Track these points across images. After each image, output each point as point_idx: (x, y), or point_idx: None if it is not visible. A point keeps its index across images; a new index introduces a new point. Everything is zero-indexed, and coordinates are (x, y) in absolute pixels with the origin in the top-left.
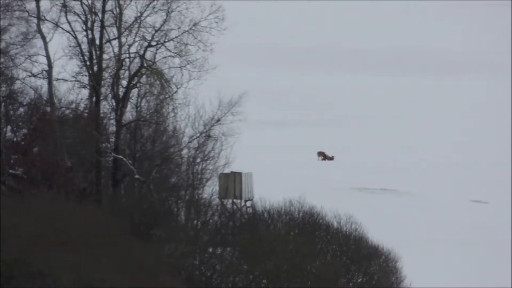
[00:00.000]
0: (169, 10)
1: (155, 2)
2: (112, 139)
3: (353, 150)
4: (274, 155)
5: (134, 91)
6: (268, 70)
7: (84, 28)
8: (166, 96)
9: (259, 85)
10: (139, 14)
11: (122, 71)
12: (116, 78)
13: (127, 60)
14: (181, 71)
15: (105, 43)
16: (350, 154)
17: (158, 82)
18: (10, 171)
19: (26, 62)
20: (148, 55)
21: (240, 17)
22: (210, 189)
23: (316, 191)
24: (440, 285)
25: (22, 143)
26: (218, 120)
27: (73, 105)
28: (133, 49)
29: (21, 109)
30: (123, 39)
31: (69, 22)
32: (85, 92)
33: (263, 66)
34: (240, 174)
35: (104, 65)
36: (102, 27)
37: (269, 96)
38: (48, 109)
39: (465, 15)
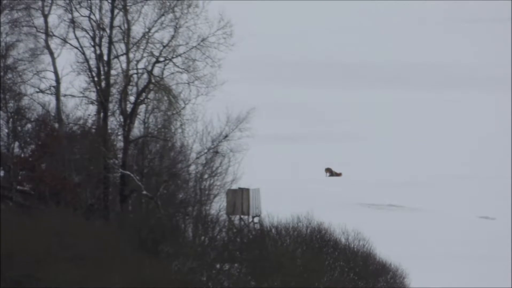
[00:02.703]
0: (177, 26)
1: (163, 18)
2: (120, 155)
3: (361, 165)
4: (281, 171)
5: (142, 107)
6: (276, 85)
7: (92, 44)
8: (174, 112)
9: (267, 99)
10: (147, 30)
11: (130, 87)
12: (124, 94)
13: (135, 76)
14: (189, 87)
15: (113, 58)
16: (358, 170)
17: (166, 98)
18: (18, 187)
19: (34, 78)
20: (156, 71)
21: (245, 31)
22: (218, 205)
23: (323, 207)
24: None
25: (30, 159)
26: (226, 136)
27: (81, 121)
28: (141, 65)
29: (29, 125)
30: (131, 55)
31: (77, 38)
32: (93, 108)
33: (271, 81)
34: (247, 190)
35: (112, 81)
36: (110, 42)
37: (276, 110)
38: (56, 125)
39: (472, 30)
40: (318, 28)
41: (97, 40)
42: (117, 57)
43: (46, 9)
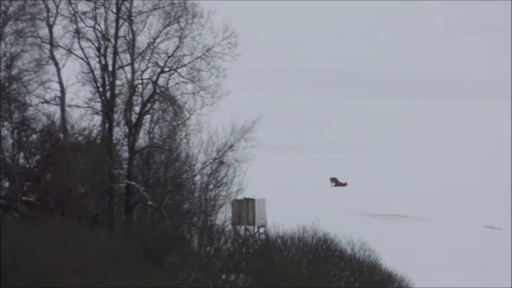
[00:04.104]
0: (182, 36)
1: (168, 28)
2: (125, 166)
3: (366, 175)
4: (287, 181)
5: (147, 117)
6: (282, 95)
7: (97, 54)
8: (179, 122)
9: (272, 109)
10: (152, 40)
11: (135, 97)
12: (129, 104)
13: (140, 86)
14: (194, 97)
15: (118, 69)
16: (363, 180)
17: (171, 108)
18: (23, 198)
19: (39, 89)
20: (161, 81)
21: (251, 41)
22: (223, 216)
23: (329, 217)
24: None
25: (35, 169)
26: (231, 146)
27: (86, 132)
28: (146, 75)
29: (34, 136)
30: (136, 65)
31: (82, 48)
32: (98, 119)
33: (277, 91)
34: (253, 200)
35: (117, 91)
36: (115, 53)
37: (282, 120)
38: (61, 135)
39: (482, 39)
40: (323, 38)
41: (102, 50)
42: (122, 67)
43: (51, 19)
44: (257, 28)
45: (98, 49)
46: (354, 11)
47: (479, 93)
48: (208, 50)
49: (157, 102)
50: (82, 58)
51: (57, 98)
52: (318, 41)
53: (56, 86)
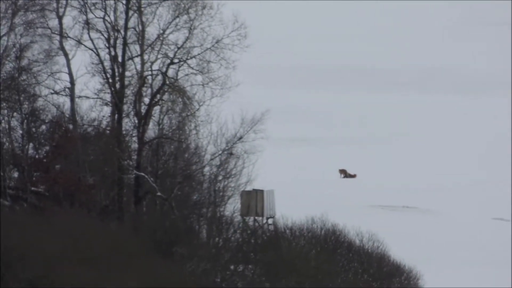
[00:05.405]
0: (192, 28)
1: (177, 19)
2: (134, 157)
3: (375, 168)
4: (296, 173)
5: (156, 109)
6: (289, 90)
7: (107, 45)
8: (188, 114)
9: (281, 102)
10: (161, 32)
11: (144, 88)
12: (138, 95)
13: (149, 77)
14: (203, 89)
15: (128, 60)
16: (372, 172)
17: (180, 99)
18: (33, 188)
19: (48, 79)
20: (171, 72)
21: (260, 35)
22: (232, 207)
23: (337, 208)
24: None
25: (44, 160)
26: (240, 138)
27: (95, 123)
28: (155, 66)
29: (44, 127)
30: (145, 56)
31: (91, 39)
32: (107, 110)
33: (284, 86)
34: (261, 191)
35: (126, 82)
36: (125, 44)
37: (291, 113)
38: (71, 126)
39: (487, 34)
40: (330, 33)
41: (111, 41)
42: (131, 58)
43: (61, 10)
44: (262, 26)
45: (108, 40)
46: (362, 10)
47: (488, 88)
48: (217, 41)
49: (166, 93)
50: (91, 49)
51: (66, 89)
52: (326, 37)
53: (65, 77)
